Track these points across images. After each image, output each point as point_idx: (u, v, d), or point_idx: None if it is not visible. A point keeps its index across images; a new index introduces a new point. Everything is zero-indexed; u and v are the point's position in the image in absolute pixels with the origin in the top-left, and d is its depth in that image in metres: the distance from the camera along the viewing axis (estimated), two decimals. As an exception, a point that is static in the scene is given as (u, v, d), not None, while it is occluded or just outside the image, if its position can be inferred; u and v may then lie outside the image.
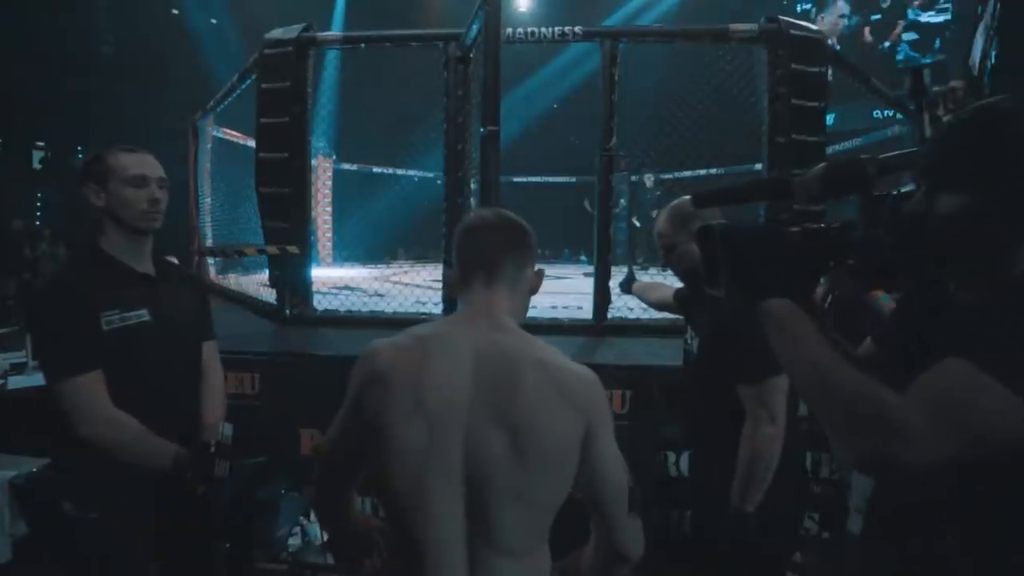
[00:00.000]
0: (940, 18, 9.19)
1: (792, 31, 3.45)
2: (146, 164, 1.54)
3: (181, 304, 1.65)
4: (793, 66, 3.41)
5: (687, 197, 1.80)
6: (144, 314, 1.51)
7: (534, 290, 1.23)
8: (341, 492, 1.26)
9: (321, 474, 1.26)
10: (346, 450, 1.18)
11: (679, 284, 2.14)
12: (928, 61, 9.15)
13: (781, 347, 0.86)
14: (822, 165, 0.81)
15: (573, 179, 10.20)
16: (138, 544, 1.48)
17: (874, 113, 8.94)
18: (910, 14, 9.57)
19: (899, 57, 9.62)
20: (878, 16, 9.99)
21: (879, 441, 0.73)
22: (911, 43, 9.52)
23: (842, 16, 10.17)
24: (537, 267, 1.23)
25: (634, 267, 2.98)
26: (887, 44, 9.78)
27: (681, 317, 2.32)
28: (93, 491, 1.46)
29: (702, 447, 1.86)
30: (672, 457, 2.71)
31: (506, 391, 1.06)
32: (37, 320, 1.47)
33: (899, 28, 9.70)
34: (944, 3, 9.16)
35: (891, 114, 8.66)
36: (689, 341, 1.84)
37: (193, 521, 1.53)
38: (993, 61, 6.38)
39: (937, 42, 9.28)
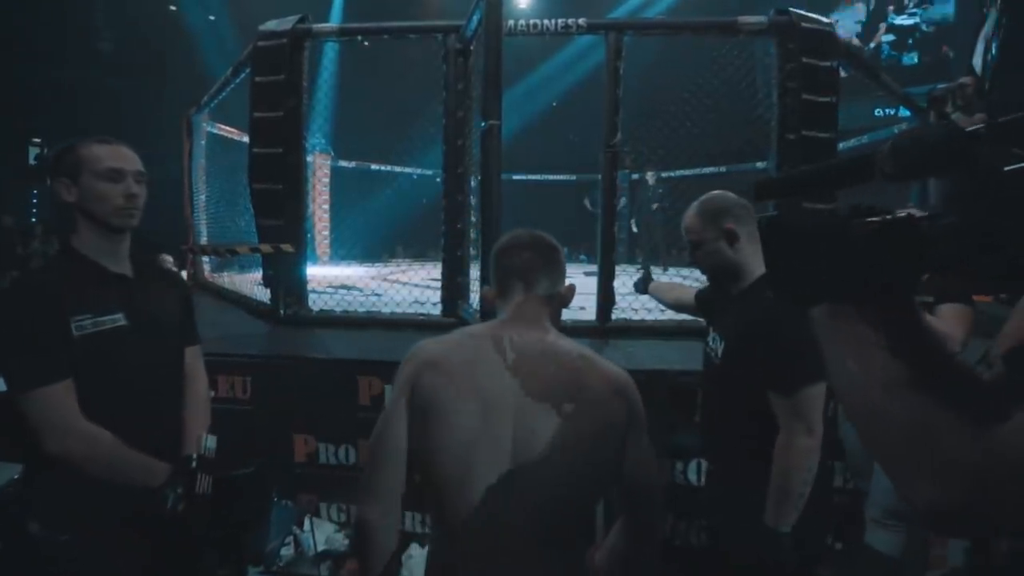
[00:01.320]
0: (911, 21, 10.24)
1: (803, 24, 3.34)
2: (122, 156, 1.43)
3: (161, 306, 1.54)
4: (804, 60, 3.31)
5: (717, 192, 1.70)
6: (120, 318, 1.40)
7: (566, 303, 1.30)
8: (388, 499, 1.14)
9: (366, 480, 1.15)
10: (395, 442, 1.14)
11: (686, 284, 2.03)
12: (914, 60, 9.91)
13: (827, 363, 0.73)
14: (892, 138, 0.66)
15: (573, 177, 10.11)
16: (113, 568, 1.37)
17: (875, 111, 8.94)
18: (889, 18, 10.55)
19: (882, 56, 10.43)
20: (863, 20, 10.75)
21: (946, 490, 0.58)
22: (890, 44, 10.41)
23: (858, 22, 10.47)
24: (568, 282, 1.30)
25: (632, 266, 2.89)
26: (871, 45, 10.53)
27: (694, 318, 2.22)
28: (63, 510, 1.35)
29: (723, 457, 1.75)
30: (680, 465, 2.61)
31: (556, 380, 1.12)
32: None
33: (881, 31, 10.57)
34: (913, 8, 10.18)
35: (892, 112, 8.73)
36: (711, 344, 1.73)
37: (174, 542, 1.42)
38: (993, 58, 6.35)
39: (910, 40, 10.30)
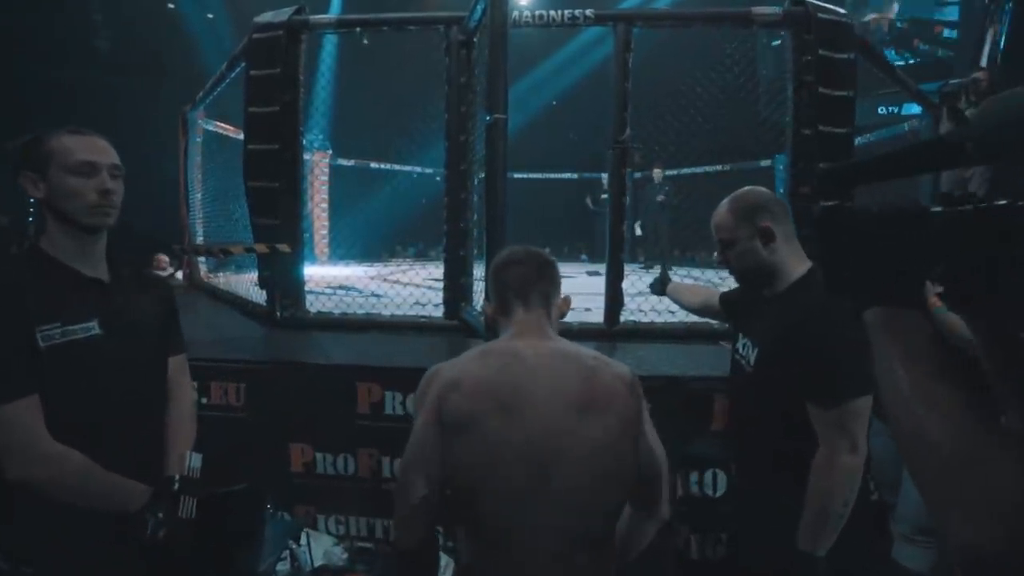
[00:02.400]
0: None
1: (820, 15, 3.22)
2: (96, 149, 1.30)
3: (141, 313, 1.41)
4: (820, 52, 3.18)
5: (749, 188, 1.57)
6: (93, 327, 1.27)
7: (563, 315, 1.36)
8: (427, 524, 1.19)
9: (402, 507, 1.18)
10: (429, 466, 1.17)
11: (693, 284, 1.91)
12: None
13: (877, 372, 0.62)
14: (975, 118, 0.54)
15: (574, 175, 9.99)
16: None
17: (879, 109, 8.90)
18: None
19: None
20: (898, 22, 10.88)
21: (989, 531, 0.49)
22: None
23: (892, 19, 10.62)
24: (564, 295, 1.36)
25: (635, 266, 2.76)
26: (860, 43, 10.88)
27: (705, 321, 2.09)
28: (27, 541, 1.22)
29: (752, 469, 1.63)
30: (695, 476, 2.49)
31: (575, 383, 1.18)
32: None
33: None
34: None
35: (895, 110, 8.68)
36: (741, 351, 1.60)
37: (155, 570, 1.30)
38: (999, 49, 6.26)
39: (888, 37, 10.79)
